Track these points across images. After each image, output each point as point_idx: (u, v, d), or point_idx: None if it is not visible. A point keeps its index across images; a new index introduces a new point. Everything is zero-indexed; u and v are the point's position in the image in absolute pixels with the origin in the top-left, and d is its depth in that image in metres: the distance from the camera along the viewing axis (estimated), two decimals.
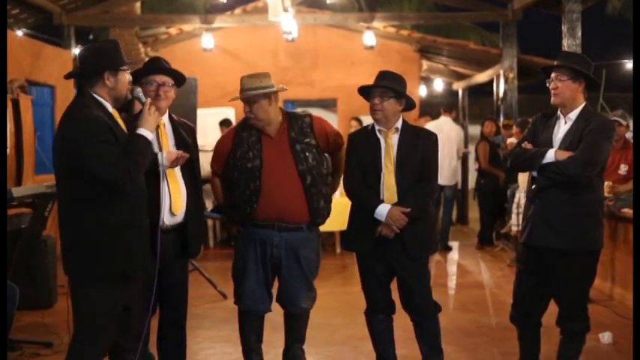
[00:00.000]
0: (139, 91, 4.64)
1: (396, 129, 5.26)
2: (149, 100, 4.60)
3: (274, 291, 5.49)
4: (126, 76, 4.45)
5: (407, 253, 5.21)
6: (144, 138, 4.38)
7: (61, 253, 4.44)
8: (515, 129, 11.21)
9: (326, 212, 5.41)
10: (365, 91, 5.31)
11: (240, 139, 5.34)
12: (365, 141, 5.31)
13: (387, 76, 5.27)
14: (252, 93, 5.21)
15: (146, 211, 4.51)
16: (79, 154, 4.14)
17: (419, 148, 5.23)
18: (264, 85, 5.24)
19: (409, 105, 5.34)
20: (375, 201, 5.17)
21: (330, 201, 5.47)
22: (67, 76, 4.93)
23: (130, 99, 4.63)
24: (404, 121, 5.34)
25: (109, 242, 4.26)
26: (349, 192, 5.35)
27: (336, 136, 5.53)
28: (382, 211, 5.13)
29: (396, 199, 5.16)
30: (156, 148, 4.67)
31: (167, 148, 4.83)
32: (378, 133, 5.27)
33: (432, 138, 5.35)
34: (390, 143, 5.23)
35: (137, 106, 4.68)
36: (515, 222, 10.64)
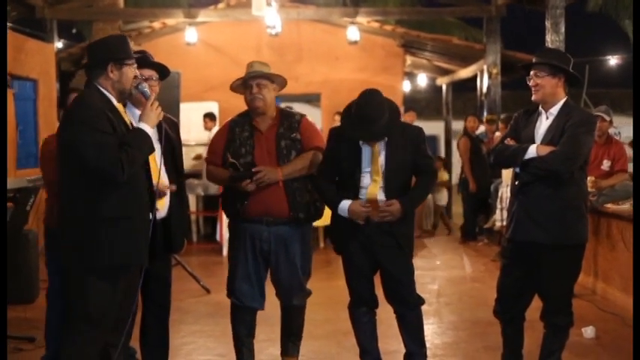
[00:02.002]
0: (144, 85, 4.72)
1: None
2: (154, 95, 4.66)
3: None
4: (131, 71, 4.48)
5: (399, 246, 5.22)
6: (142, 131, 4.41)
7: (60, 243, 4.47)
8: (500, 125, 11.23)
9: (312, 208, 5.40)
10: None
11: (233, 134, 5.39)
12: (346, 146, 5.23)
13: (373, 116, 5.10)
14: (267, 72, 5.36)
15: (146, 203, 4.54)
16: (74, 142, 4.19)
17: (407, 148, 5.22)
18: (273, 73, 5.40)
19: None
20: (336, 198, 5.21)
21: (313, 197, 5.46)
22: (80, 68, 4.96)
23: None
24: None
25: (105, 234, 4.27)
26: (314, 187, 5.39)
27: (311, 138, 5.45)
28: (343, 207, 5.16)
29: (374, 198, 5.14)
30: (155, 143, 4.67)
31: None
32: (360, 143, 5.23)
33: (419, 133, 5.33)
34: (376, 150, 5.17)
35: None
36: (499, 217, 10.69)
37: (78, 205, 4.28)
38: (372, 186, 5.14)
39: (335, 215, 5.31)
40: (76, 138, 4.18)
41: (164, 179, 4.91)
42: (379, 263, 5.29)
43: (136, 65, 4.56)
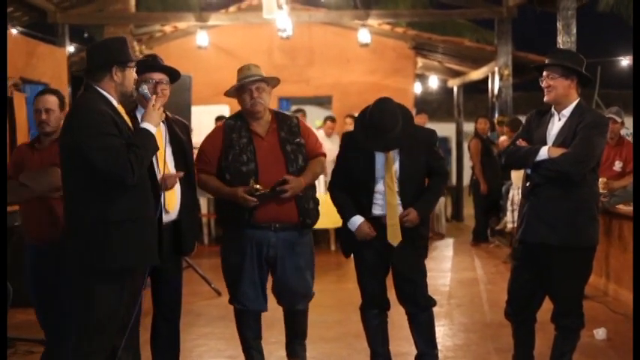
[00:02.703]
0: (144, 87, 4.74)
1: None
2: (154, 96, 4.68)
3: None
4: (132, 73, 4.50)
5: (415, 247, 5.27)
6: (147, 131, 4.42)
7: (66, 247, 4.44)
8: (505, 128, 11.22)
9: (315, 212, 5.42)
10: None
11: (230, 140, 5.29)
12: (359, 152, 5.26)
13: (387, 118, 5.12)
14: (267, 77, 5.32)
15: (153, 205, 4.56)
16: (81, 147, 4.17)
17: (420, 151, 5.25)
18: (269, 76, 5.37)
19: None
20: (348, 211, 5.27)
21: (318, 202, 5.48)
22: (80, 72, 4.94)
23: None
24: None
25: (114, 237, 4.27)
26: (330, 196, 5.44)
27: (315, 142, 5.51)
28: (353, 223, 5.25)
29: (398, 221, 5.16)
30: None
31: (162, 147, 4.80)
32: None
33: (432, 136, 5.39)
34: (390, 155, 5.20)
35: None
36: (510, 219, 10.67)
37: (85, 210, 4.27)
38: (388, 195, 5.14)
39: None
40: (83, 143, 4.17)
41: (170, 169, 4.95)
42: (393, 264, 5.30)
43: (135, 68, 4.57)
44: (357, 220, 5.23)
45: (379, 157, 5.21)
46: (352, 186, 5.30)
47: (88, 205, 4.26)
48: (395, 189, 5.18)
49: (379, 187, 5.20)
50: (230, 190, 5.19)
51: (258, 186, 5.12)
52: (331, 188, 5.43)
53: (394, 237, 5.17)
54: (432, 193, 5.37)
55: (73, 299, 4.48)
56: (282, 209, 5.24)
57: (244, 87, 5.28)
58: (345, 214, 5.30)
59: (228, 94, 5.41)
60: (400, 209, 5.19)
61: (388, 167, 5.17)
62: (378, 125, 5.09)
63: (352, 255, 5.44)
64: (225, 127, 5.38)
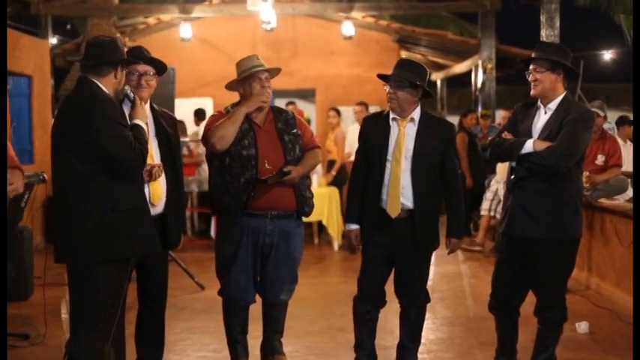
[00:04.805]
0: (127, 88, 4.80)
1: (412, 119, 5.26)
2: (137, 96, 4.78)
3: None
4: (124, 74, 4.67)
5: (425, 246, 5.32)
6: (141, 127, 4.58)
7: (60, 239, 4.49)
8: (504, 113, 11.20)
9: (312, 202, 5.45)
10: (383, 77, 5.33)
11: None
12: (375, 127, 5.34)
13: (405, 66, 5.28)
14: (271, 68, 5.38)
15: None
16: (100, 136, 4.28)
17: (437, 140, 5.25)
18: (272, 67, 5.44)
19: (426, 94, 5.33)
20: (352, 214, 5.38)
21: (313, 194, 5.51)
22: (79, 62, 4.89)
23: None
24: (422, 112, 5.32)
25: (120, 226, 4.41)
26: (350, 177, 5.58)
27: (311, 136, 5.56)
28: (349, 226, 5.42)
29: (399, 192, 5.17)
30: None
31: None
32: (391, 120, 5.28)
33: (452, 130, 5.43)
34: (403, 132, 5.22)
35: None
36: (486, 207, 10.79)
37: (93, 201, 4.36)
38: (394, 166, 5.18)
39: (365, 209, 5.35)
40: (102, 131, 4.28)
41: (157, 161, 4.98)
42: (397, 258, 5.31)
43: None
44: (352, 226, 5.37)
45: (394, 130, 5.24)
46: (368, 164, 5.32)
47: (96, 195, 4.36)
48: (401, 160, 5.18)
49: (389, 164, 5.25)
50: (242, 104, 5.27)
51: (268, 166, 5.19)
52: (351, 178, 5.55)
53: (394, 208, 5.19)
54: (457, 217, 5.47)
55: (74, 290, 4.53)
56: (279, 197, 5.26)
57: (254, 76, 5.28)
58: (349, 214, 5.41)
59: (229, 86, 5.43)
60: (410, 190, 5.19)
61: (398, 140, 5.20)
62: (401, 61, 5.36)
63: (362, 251, 5.43)
64: (226, 112, 5.38)
